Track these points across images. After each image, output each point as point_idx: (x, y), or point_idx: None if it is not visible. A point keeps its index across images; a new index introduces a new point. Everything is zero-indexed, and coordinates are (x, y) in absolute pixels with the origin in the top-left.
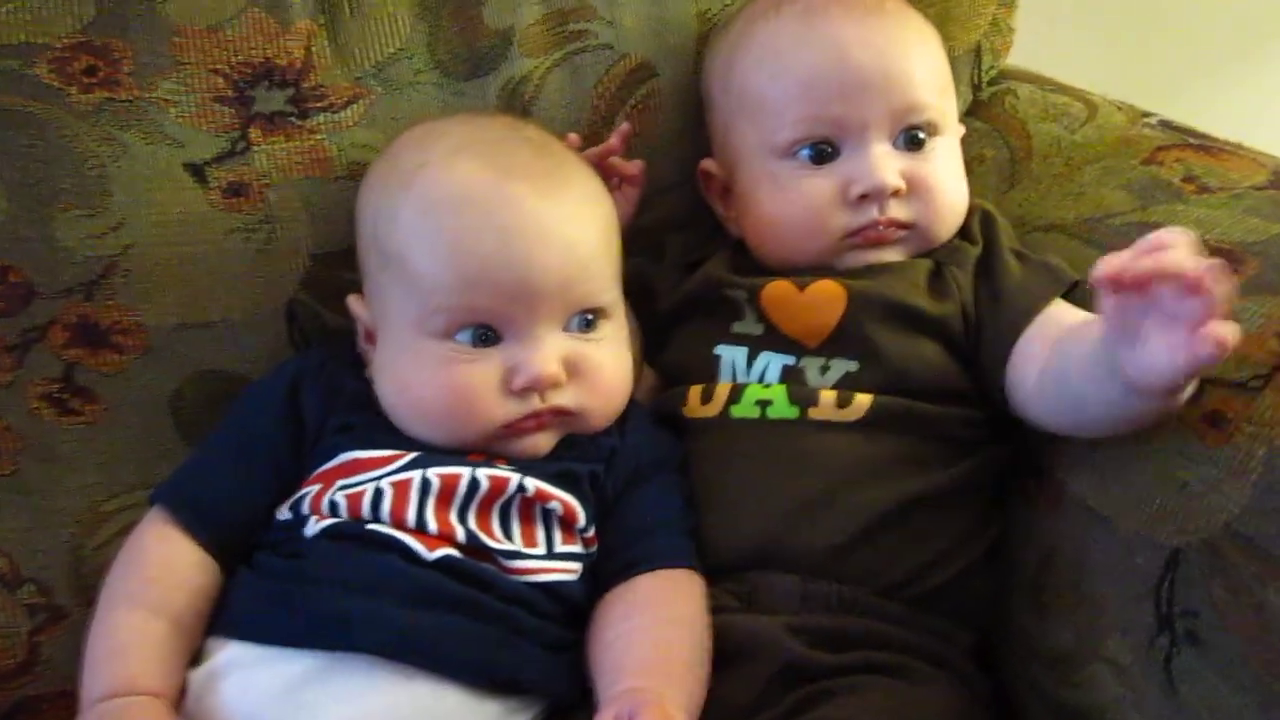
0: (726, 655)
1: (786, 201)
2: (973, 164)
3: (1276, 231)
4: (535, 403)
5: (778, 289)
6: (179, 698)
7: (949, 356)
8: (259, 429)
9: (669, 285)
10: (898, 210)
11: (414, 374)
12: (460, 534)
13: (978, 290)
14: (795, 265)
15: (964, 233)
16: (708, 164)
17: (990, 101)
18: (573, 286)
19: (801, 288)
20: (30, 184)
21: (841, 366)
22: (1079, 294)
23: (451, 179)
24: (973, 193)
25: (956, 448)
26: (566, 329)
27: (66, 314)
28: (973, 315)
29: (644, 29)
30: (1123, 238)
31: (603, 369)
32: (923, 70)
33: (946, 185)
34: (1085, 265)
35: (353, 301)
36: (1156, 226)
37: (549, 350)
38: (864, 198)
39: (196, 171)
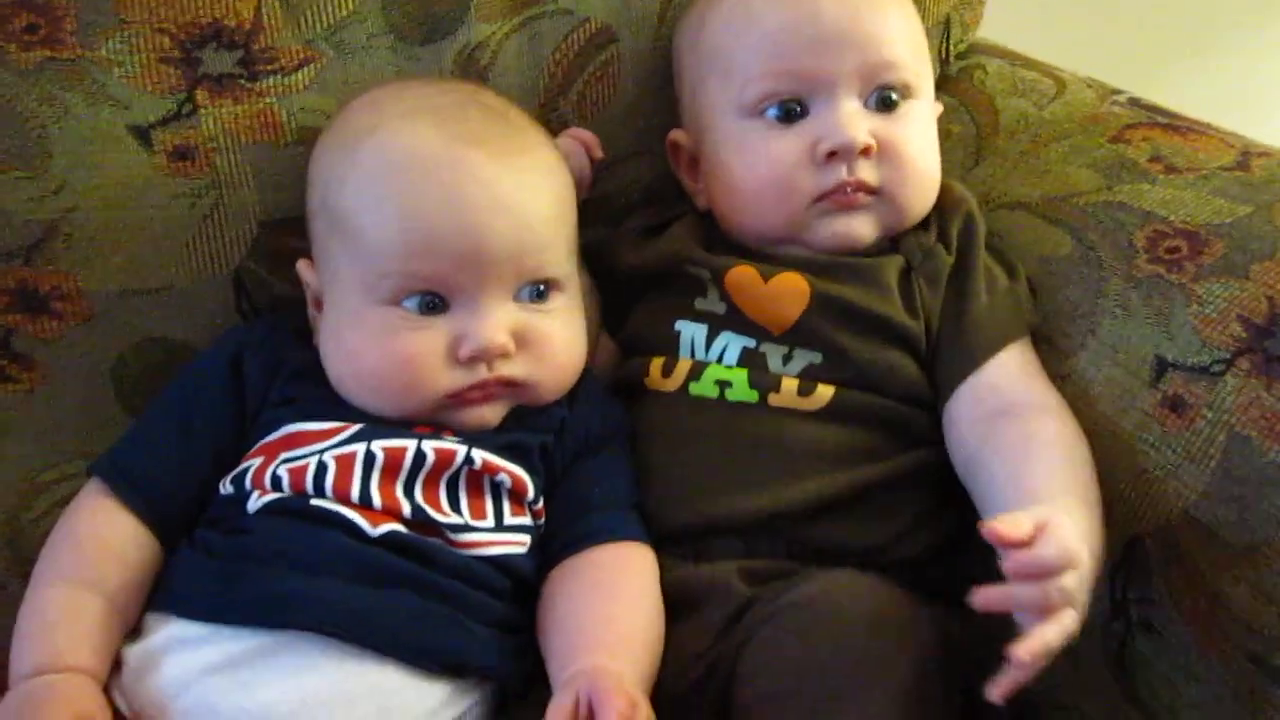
0: (680, 607)
1: (753, 163)
2: (939, 139)
3: (1243, 213)
4: (482, 372)
5: (741, 274)
6: (112, 673)
7: (915, 364)
8: (201, 401)
9: (630, 252)
10: (866, 172)
11: (359, 341)
12: (406, 508)
13: (944, 309)
14: (763, 236)
15: (942, 234)
16: (676, 134)
17: (958, 76)
18: (524, 256)
19: (766, 277)
20: None
21: (805, 357)
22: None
23: (403, 143)
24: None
25: (918, 439)
26: (517, 299)
27: (5, 278)
28: (935, 334)
29: None
30: (1088, 217)
31: (552, 340)
32: (897, 29)
33: (918, 150)
34: (1049, 243)
35: (302, 267)
36: (1122, 206)
37: (497, 319)
38: (832, 155)
39: (141, 134)
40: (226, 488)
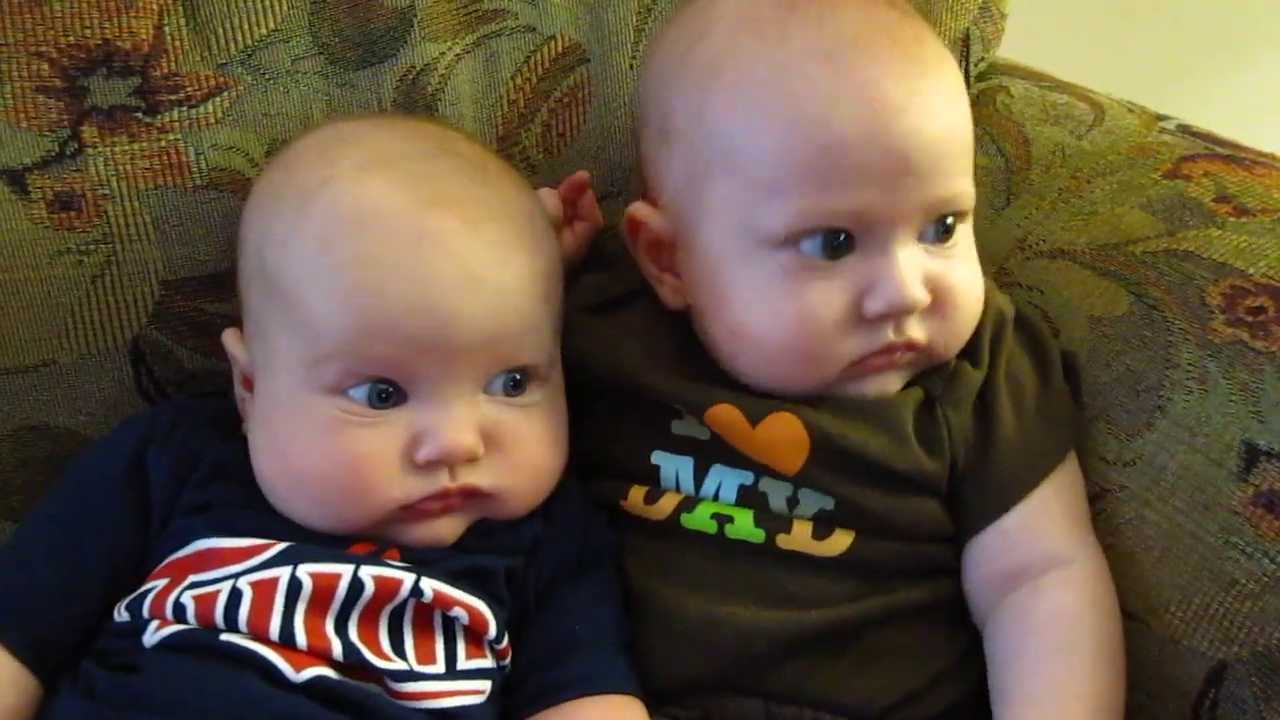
0: None
1: (777, 313)
2: None
3: None
4: (443, 480)
5: (723, 413)
6: None
7: (938, 503)
8: (94, 507)
9: (574, 340)
10: (915, 329)
11: (295, 437)
12: (337, 649)
13: (969, 437)
14: (768, 386)
15: (970, 349)
16: (641, 211)
17: (980, 100)
18: (499, 342)
19: (753, 420)
20: None
21: (815, 501)
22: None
23: (359, 201)
24: None
25: (944, 569)
26: (488, 391)
27: None
28: (960, 467)
29: (574, 5)
30: (1148, 269)
31: (528, 443)
32: (965, 140)
33: (970, 290)
34: (1101, 300)
35: (229, 338)
36: (1189, 256)
37: (463, 416)
38: (882, 317)
39: (15, 179)
40: (121, 614)
